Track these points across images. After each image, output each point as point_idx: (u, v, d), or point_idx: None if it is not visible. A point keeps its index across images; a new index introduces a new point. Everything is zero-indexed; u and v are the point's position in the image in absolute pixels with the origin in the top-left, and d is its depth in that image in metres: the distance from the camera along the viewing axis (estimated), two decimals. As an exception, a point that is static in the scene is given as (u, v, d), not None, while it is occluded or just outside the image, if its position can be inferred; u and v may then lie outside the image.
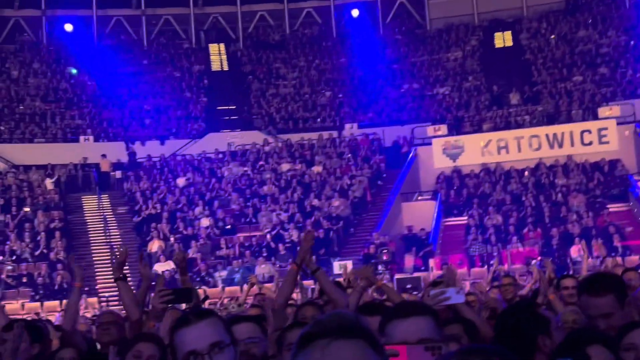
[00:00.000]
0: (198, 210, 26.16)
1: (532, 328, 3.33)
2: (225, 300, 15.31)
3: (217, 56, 36.87)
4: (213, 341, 2.63)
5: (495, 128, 29.71)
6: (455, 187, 27.21)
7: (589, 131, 27.90)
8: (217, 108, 33.86)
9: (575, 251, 21.08)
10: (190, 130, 32.07)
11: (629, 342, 3.12)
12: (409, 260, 23.11)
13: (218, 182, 28.01)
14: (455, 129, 29.94)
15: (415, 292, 15.11)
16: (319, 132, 30.68)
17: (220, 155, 29.95)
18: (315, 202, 25.90)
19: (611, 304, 3.55)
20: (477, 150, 28.51)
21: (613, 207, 24.62)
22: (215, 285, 22.38)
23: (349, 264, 21.09)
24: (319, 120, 32.52)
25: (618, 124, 27.67)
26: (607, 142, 27.51)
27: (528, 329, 3.33)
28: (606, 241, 21.84)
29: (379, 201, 27.04)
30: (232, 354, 2.66)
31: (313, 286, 18.75)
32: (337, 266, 21.46)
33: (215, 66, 36.56)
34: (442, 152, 28.69)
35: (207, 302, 11.86)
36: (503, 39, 35.41)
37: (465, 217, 25.21)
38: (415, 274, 21.64)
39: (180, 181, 28.30)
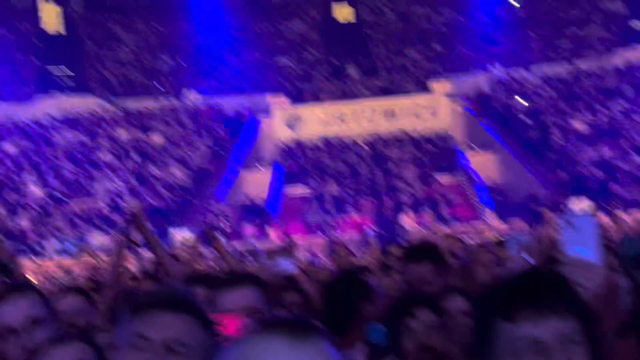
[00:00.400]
0: (28, 178, 24.95)
1: (355, 295, 3.47)
2: (56, 272, 14.80)
3: (52, 17, 35.05)
4: (30, 316, 2.54)
5: (334, 100, 30.30)
6: (295, 158, 27.57)
7: (422, 105, 29.06)
8: (49, 71, 32.28)
9: (405, 220, 22.01)
10: (21, 94, 30.39)
11: (444, 308, 3.31)
12: (249, 230, 23.25)
13: (50, 149, 26.82)
14: (296, 99, 30.27)
15: (253, 262, 15.20)
16: (159, 98, 30.02)
17: (53, 121, 28.65)
18: (155, 171, 25.42)
19: (430, 271, 3.75)
20: (317, 121, 28.99)
21: (442, 179, 25.86)
22: (46, 256, 21.50)
23: (189, 234, 20.90)
24: (158, 86, 31.78)
25: (449, 98, 28.99)
26: (439, 116, 28.79)
27: (351, 296, 3.47)
28: (435, 211, 22.95)
29: (220, 171, 26.94)
30: (51, 329, 2.58)
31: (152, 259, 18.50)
32: (177, 236, 21.20)
33: (49, 27, 34.76)
34: (283, 123, 28.96)
35: (32, 274, 11.43)
36: (343, 12, 36.02)
37: (305, 187, 25.65)
38: (254, 243, 21.80)
39: (9, 147, 26.85)
